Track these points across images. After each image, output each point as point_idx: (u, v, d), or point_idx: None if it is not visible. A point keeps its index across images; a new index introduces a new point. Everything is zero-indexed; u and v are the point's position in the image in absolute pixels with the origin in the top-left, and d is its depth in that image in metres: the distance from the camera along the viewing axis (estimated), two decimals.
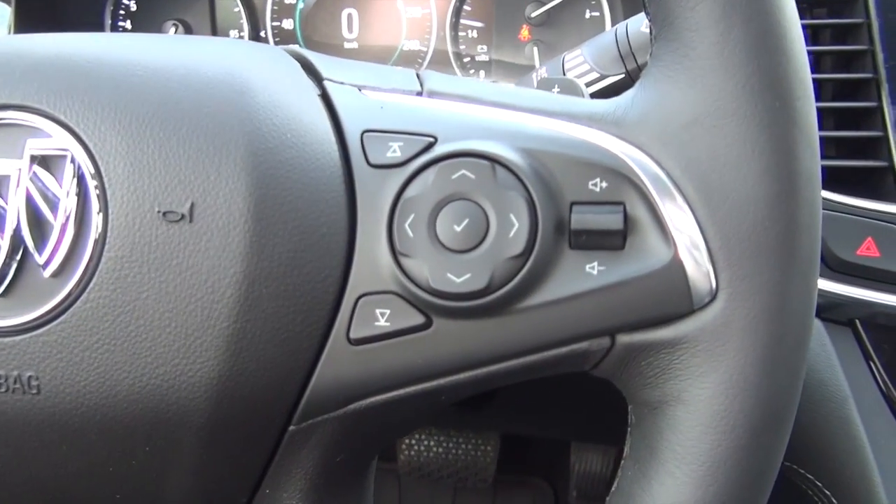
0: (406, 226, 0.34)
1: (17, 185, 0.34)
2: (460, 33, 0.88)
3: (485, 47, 0.88)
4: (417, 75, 0.40)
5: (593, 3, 0.85)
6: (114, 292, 0.34)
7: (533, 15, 0.84)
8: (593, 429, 0.95)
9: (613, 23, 0.85)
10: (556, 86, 0.44)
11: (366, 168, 0.35)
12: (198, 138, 0.34)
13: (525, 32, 0.87)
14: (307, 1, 0.90)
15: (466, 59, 0.89)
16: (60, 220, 0.34)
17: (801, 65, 0.32)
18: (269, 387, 0.35)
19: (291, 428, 0.36)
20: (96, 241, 0.34)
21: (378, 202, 0.35)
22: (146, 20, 0.91)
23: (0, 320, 0.34)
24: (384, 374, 0.35)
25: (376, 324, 0.34)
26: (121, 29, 0.92)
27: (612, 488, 0.36)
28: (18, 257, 0.34)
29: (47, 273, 0.34)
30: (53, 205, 0.34)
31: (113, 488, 0.37)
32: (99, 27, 0.92)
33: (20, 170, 0.34)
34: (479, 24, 0.88)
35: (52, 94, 0.35)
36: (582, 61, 0.52)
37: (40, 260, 0.34)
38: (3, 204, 0.35)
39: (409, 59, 0.89)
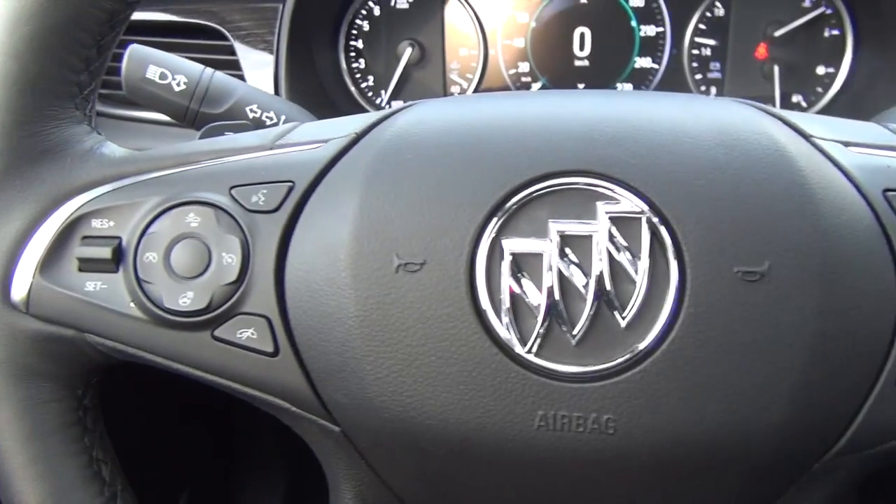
0: None
1: (598, 245, 0.38)
2: (693, 51, 0.91)
3: (718, 64, 0.90)
4: (886, 127, 0.43)
5: (833, 21, 0.87)
6: (692, 344, 0.37)
7: (776, 34, 0.86)
8: None
9: (854, 42, 0.86)
10: None
11: None
12: (768, 202, 0.37)
13: (762, 50, 0.89)
14: (539, 20, 0.92)
15: (699, 77, 0.91)
16: (640, 277, 0.37)
17: None
18: (817, 430, 0.38)
19: (816, 466, 0.39)
20: (675, 298, 0.37)
21: None
22: (379, 40, 0.95)
23: (581, 366, 0.38)
24: None
25: None
26: (353, 49, 0.95)
27: None
28: (594, 310, 0.38)
29: (624, 324, 0.38)
30: (631, 262, 0.38)
31: None
32: (334, 48, 0.95)
33: (598, 231, 0.38)
34: (713, 42, 0.90)
35: (615, 161, 0.38)
36: None
37: (621, 312, 0.37)
38: (582, 261, 0.38)
39: (640, 77, 0.92)
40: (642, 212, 0.37)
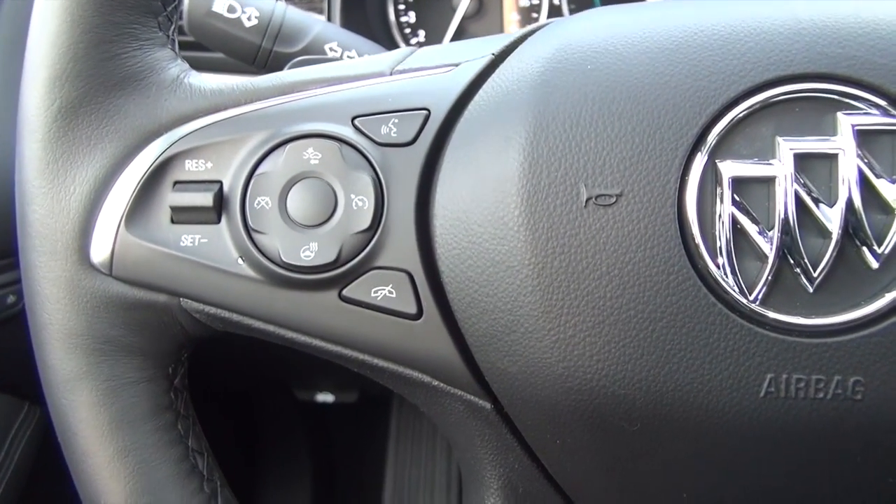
0: None
1: (845, 166, 0.30)
2: None
3: None
4: None
5: None
6: None
7: None
8: None
9: None
10: None
11: None
12: None
13: None
14: None
15: None
16: None
17: None
18: None
19: None
20: None
21: None
22: None
23: (823, 317, 0.30)
24: None
25: None
26: (402, 2, 0.87)
27: None
28: (839, 247, 0.30)
29: (877, 263, 0.30)
30: (886, 187, 0.30)
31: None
32: (382, 0, 0.87)
33: (843, 149, 0.30)
34: None
35: (858, 60, 0.31)
36: None
37: (877, 249, 0.30)
38: (822, 187, 0.30)
39: None
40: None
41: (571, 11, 0.86)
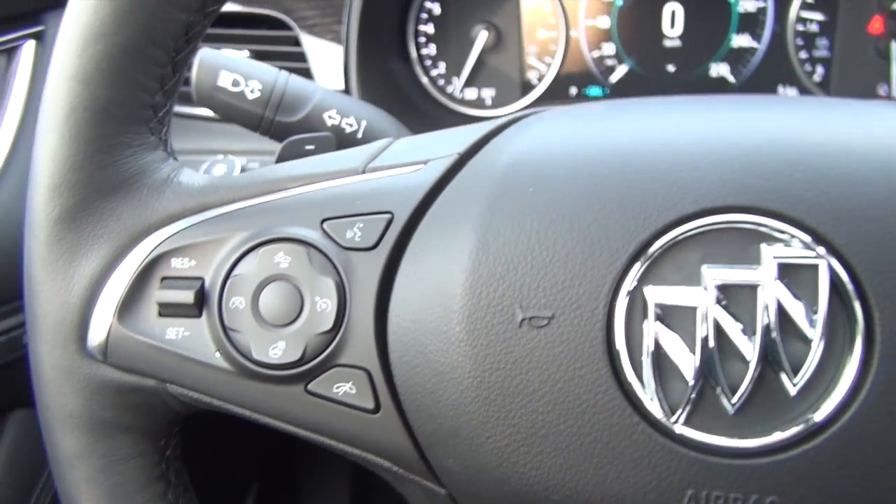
0: None
1: (764, 295, 0.32)
2: (798, 26, 0.82)
3: (826, 41, 0.82)
4: None
5: None
6: (880, 417, 0.31)
7: (894, 6, 0.78)
8: None
9: None
10: None
11: None
12: None
13: (877, 24, 0.80)
14: None
15: (804, 56, 0.83)
16: (817, 334, 0.31)
17: None
18: None
19: None
20: (860, 361, 0.31)
21: None
22: (451, 24, 0.89)
23: (741, 440, 0.32)
24: None
25: None
26: (422, 34, 0.89)
27: None
28: (758, 373, 0.32)
29: (795, 391, 0.32)
30: (805, 317, 0.32)
31: None
32: (402, 34, 0.89)
33: (763, 279, 0.32)
34: (821, 17, 0.81)
35: (783, 194, 0.32)
36: None
37: (792, 376, 0.32)
38: (743, 315, 0.32)
39: (737, 57, 0.84)
40: (820, 256, 0.31)
41: (589, 45, 0.86)
